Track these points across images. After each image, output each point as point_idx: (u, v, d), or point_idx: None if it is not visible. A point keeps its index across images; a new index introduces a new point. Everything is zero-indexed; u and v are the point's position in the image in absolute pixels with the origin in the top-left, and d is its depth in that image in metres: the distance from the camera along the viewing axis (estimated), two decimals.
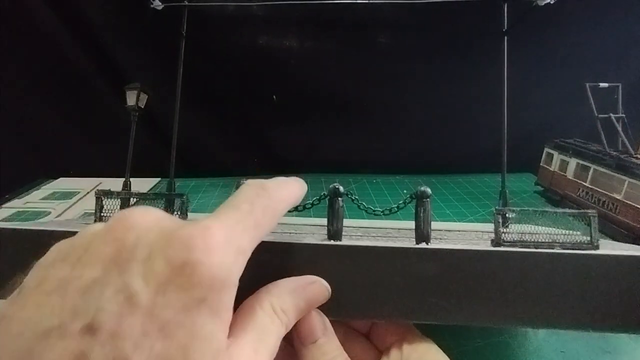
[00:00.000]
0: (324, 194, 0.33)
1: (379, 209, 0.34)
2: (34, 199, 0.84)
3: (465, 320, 0.29)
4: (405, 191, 0.93)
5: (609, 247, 0.33)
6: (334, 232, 0.32)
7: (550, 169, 0.87)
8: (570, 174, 0.81)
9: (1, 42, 0.92)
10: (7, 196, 0.84)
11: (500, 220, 0.33)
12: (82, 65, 0.96)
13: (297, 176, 0.29)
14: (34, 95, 0.97)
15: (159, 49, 0.84)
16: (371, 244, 0.29)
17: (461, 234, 0.47)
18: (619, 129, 0.73)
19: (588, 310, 0.28)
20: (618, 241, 0.66)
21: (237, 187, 0.25)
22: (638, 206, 0.65)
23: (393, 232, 0.44)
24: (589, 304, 0.28)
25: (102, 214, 0.35)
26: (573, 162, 0.80)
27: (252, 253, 0.24)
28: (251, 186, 0.24)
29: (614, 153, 0.71)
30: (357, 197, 0.34)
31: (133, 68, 0.96)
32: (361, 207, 0.34)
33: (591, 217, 0.32)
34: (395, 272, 0.29)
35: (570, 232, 0.32)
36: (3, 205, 0.80)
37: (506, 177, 0.51)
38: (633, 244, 0.65)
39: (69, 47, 0.94)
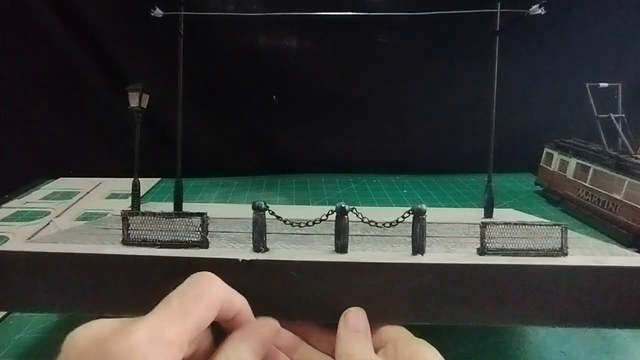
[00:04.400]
0: (331, 210, 0.36)
1: (380, 223, 0.37)
2: (34, 199, 0.84)
3: (454, 320, 0.33)
4: (405, 191, 0.93)
5: (580, 253, 0.38)
6: (341, 245, 0.36)
7: (550, 169, 0.87)
8: (570, 174, 0.81)
9: (2, 43, 0.92)
10: (7, 196, 0.84)
11: (485, 232, 0.36)
12: (83, 66, 0.96)
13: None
14: (34, 96, 0.97)
15: (159, 49, 0.84)
16: (373, 260, 0.34)
17: (450, 228, 0.51)
18: (619, 129, 0.73)
19: (558, 309, 0.33)
20: (618, 241, 0.67)
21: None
22: (638, 206, 0.65)
23: (388, 229, 0.46)
24: (559, 304, 0.33)
25: (129, 232, 0.37)
26: (573, 162, 0.80)
27: (271, 272, 0.33)
28: (190, 277, 0.28)
29: (614, 153, 0.72)
30: (361, 213, 0.37)
31: (133, 68, 0.96)
32: (364, 220, 0.37)
33: (562, 228, 0.37)
34: (394, 281, 0.33)
35: (546, 239, 0.37)
36: (3, 205, 0.80)
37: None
38: (633, 243, 0.65)
39: (69, 47, 0.94)
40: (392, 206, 0.83)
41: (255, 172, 1.05)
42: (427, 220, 0.36)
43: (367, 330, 0.32)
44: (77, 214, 0.76)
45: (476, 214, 0.61)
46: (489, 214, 0.59)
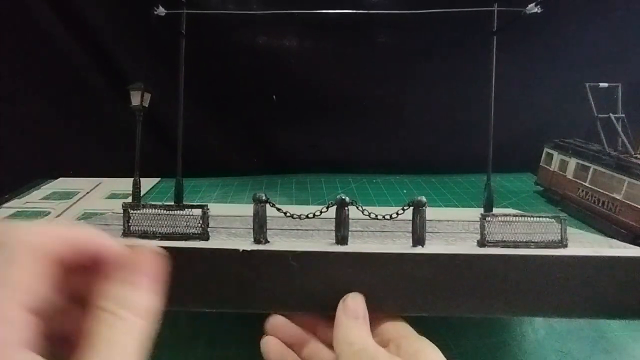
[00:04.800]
0: (331, 202, 0.36)
1: (381, 215, 0.37)
2: (34, 199, 0.84)
3: (455, 311, 0.34)
4: (405, 191, 0.93)
5: (579, 245, 0.38)
6: (341, 237, 0.36)
7: (550, 169, 0.87)
8: (570, 174, 0.81)
9: (2, 42, 0.92)
10: (7, 196, 0.84)
11: (485, 224, 0.37)
12: (83, 66, 0.96)
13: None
14: (34, 96, 0.97)
15: (159, 49, 0.84)
16: (373, 251, 0.34)
17: (450, 225, 0.51)
18: (619, 129, 0.73)
19: (558, 299, 0.34)
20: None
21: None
22: (638, 206, 0.65)
23: (388, 225, 0.49)
24: (558, 294, 0.33)
25: (129, 225, 0.37)
26: (573, 162, 0.80)
27: (271, 263, 0.32)
28: None
29: (614, 153, 0.71)
30: (362, 205, 0.37)
31: (133, 68, 0.96)
32: (364, 213, 0.37)
33: (561, 220, 0.37)
34: (394, 272, 0.33)
35: (546, 232, 0.37)
36: (3, 205, 0.80)
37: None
38: (632, 243, 0.65)
39: (69, 47, 0.94)
40: (392, 206, 0.83)
41: (255, 172, 1.05)
42: (427, 217, 0.36)
43: (365, 317, 0.32)
44: (77, 214, 0.76)
45: (476, 213, 0.61)
46: (488, 211, 0.59)
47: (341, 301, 0.33)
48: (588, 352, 0.43)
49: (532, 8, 0.51)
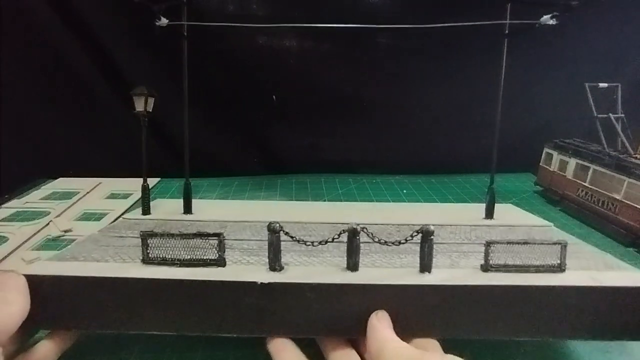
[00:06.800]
0: (343, 230, 0.38)
1: (390, 241, 0.39)
2: (34, 199, 0.84)
3: (459, 334, 0.37)
4: (405, 191, 0.93)
5: (577, 265, 0.41)
6: (353, 264, 0.38)
7: (550, 169, 0.87)
8: (569, 174, 0.81)
9: (3, 43, 0.92)
10: (7, 196, 0.84)
11: (490, 252, 0.39)
12: (83, 66, 0.96)
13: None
14: (34, 96, 0.97)
15: (159, 49, 0.85)
16: (383, 282, 0.36)
17: (452, 232, 0.53)
18: (618, 129, 0.73)
19: (557, 323, 0.36)
20: (617, 241, 0.67)
21: None
22: (637, 206, 0.65)
23: (393, 229, 0.53)
24: (557, 318, 0.36)
25: (148, 252, 0.39)
26: (572, 162, 0.80)
27: (288, 293, 0.35)
28: None
29: (614, 153, 0.72)
30: (372, 233, 0.38)
31: (133, 68, 0.96)
32: (375, 240, 0.39)
33: (561, 247, 0.39)
34: (403, 300, 0.36)
35: (546, 256, 0.39)
36: (3, 205, 0.80)
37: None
38: (632, 244, 0.65)
39: (69, 48, 0.94)
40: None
41: (255, 172, 1.05)
42: (429, 220, 0.38)
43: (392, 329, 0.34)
44: (77, 214, 0.76)
45: (476, 211, 0.62)
46: (489, 214, 0.60)
47: (373, 314, 0.35)
48: (588, 352, 0.43)
49: (547, 20, 0.51)
